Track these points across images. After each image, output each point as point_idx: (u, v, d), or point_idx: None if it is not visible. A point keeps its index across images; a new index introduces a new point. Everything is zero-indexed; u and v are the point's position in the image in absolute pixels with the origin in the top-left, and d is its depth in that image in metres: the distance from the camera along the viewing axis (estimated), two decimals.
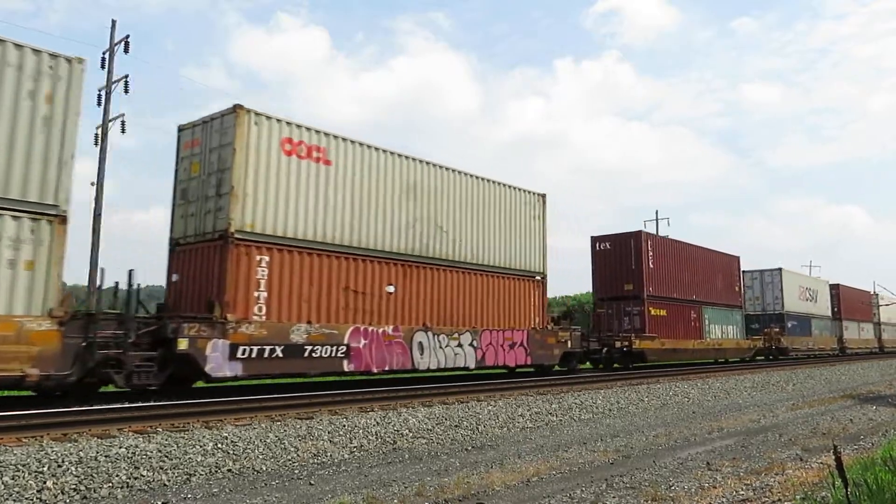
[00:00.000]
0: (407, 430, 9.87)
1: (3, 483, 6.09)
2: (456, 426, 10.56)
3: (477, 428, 10.73)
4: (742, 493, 6.31)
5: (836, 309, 45.43)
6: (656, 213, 54.53)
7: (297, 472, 7.58)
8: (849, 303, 47.76)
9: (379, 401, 12.14)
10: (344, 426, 9.54)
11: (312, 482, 7.03)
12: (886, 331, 56.99)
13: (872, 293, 53.97)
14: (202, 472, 7.21)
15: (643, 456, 8.56)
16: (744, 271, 36.08)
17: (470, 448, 9.26)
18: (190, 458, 7.43)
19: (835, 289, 46.19)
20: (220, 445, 7.93)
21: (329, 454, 8.45)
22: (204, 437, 8.18)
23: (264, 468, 7.66)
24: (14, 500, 5.91)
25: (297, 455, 8.20)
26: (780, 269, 37.31)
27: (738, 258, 32.99)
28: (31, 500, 6.00)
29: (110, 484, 6.53)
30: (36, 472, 6.41)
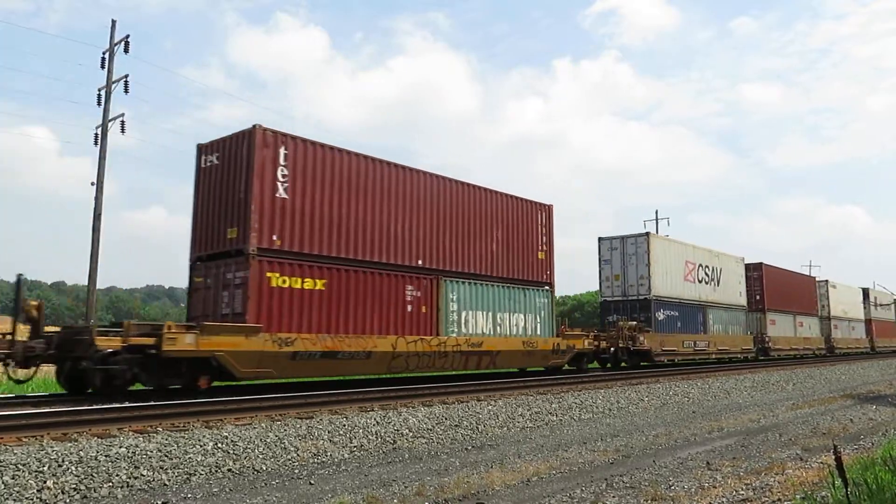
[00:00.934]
0: (407, 430, 9.88)
1: (3, 483, 6.09)
2: (456, 426, 10.56)
3: (477, 427, 10.73)
4: (742, 492, 6.30)
5: (757, 297, 33.55)
6: (656, 212, 54.46)
7: (297, 471, 7.58)
8: (778, 289, 35.43)
9: (379, 400, 12.15)
10: (344, 426, 9.55)
11: (312, 482, 7.03)
12: (840, 328, 43.88)
13: (817, 279, 42.76)
14: (202, 472, 7.22)
15: (643, 456, 8.57)
16: (601, 238, 26.30)
17: (470, 448, 9.27)
18: (190, 457, 7.43)
19: (755, 269, 33.98)
20: (220, 445, 7.93)
21: (329, 454, 8.45)
22: (204, 436, 8.18)
23: (264, 468, 7.67)
24: (14, 500, 5.91)
25: (297, 455, 8.20)
26: (646, 234, 25.64)
27: (548, 207, 20.21)
28: (31, 499, 6.00)
29: (110, 484, 6.53)
30: (36, 471, 6.41)
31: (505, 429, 11.03)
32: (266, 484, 6.95)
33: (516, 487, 6.73)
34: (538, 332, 19.32)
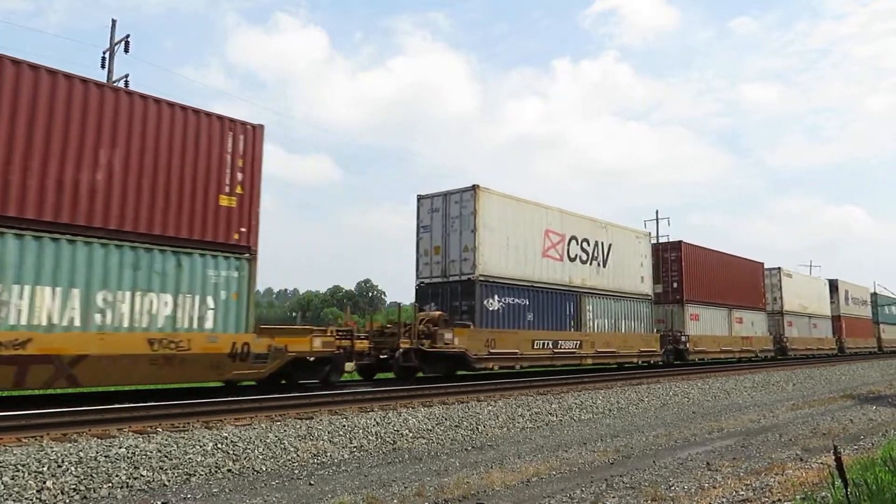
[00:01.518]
0: (407, 430, 9.87)
1: (3, 483, 6.09)
2: (456, 426, 10.56)
3: (477, 428, 10.73)
4: (742, 493, 6.30)
5: (674, 284, 26.57)
6: (657, 212, 54.43)
7: (296, 472, 7.58)
8: (706, 276, 28.19)
9: (379, 401, 12.14)
10: (344, 426, 9.54)
11: (312, 482, 7.03)
12: (796, 325, 36.49)
13: (765, 265, 34.59)
14: (202, 472, 7.21)
15: (643, 456, 8.57)
16: (420, 197, 18.88)
17: (470, 448, 9.26)
18: (190, 458, 7.43)
19: (672, 250, 27.15)
20: (220, 445, 7.93)
21: (329, 454, 8.45)
22: (204, 437, 8.18)
23: (264, 468, 7.67)
24: (14, 500, 5.91)
25: (297, 455, 8.20)
26: (473, 189, 17.83)
27: (249, 128, 12.72)
28: (31, 500, 6.00)
29: (110, 484, 6.53)
30: (36, 472, 6.41)
31: (505, 429, 11.03)
32: (266, 484, 6.95)
33: (516, 488, 6.73)
34: (209, 325, 11.66)
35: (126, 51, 26.49)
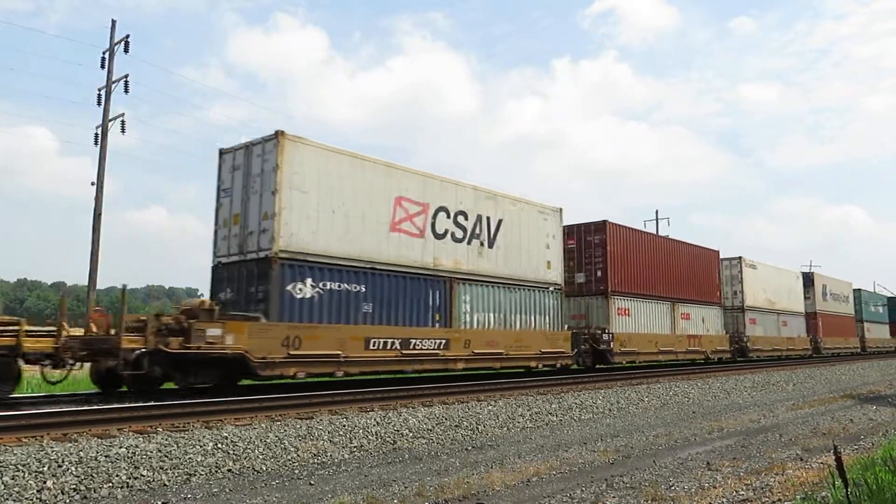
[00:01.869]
0: (407, 430, 9.88)
1: (3, 483, 6.09)
2: (456, 426, 10.56)
3: (477, 428, 10.73)
4: (742, 493, 6.31)
5: (598, 273, 21.84)
6: (656, 212, 54.41)
7: (297, 472, 7.58)
8: (640, 264, 23.56)
9: (379, 401, 12.15)
10: (344, 426, 9.55)
11: (312, 482, 7.04)
12: (760, 322, 31.79)
13: (721, 255, 29.60)
14: (202, 472, 7.21)
15: (643, 456, 8.57)
16: (222, 151, 14.55)
17: (470, 448, 9.27)
18: (190, 458, 7.43)
19: (595, 232, 22.14)
20: (220, 445, 7.93)
21: (329, 454, 8.46)
22: (204, 437, 8.18)
23: (264, 468, 7.67)
24: (14, 500, 5.91)
25: (297, 455, 8.20)
26: (276, 136, 13.20)
27: None
28: (31, 500, 6.00)
29: (110, 484, 6.53)
30: (36, 472, 6.41)
31: (505, 429, 11.03)
32: (266, 484, 6.95)
33: (516, 488, 6.73)
34: None
35: (126, 51, 26.47)
